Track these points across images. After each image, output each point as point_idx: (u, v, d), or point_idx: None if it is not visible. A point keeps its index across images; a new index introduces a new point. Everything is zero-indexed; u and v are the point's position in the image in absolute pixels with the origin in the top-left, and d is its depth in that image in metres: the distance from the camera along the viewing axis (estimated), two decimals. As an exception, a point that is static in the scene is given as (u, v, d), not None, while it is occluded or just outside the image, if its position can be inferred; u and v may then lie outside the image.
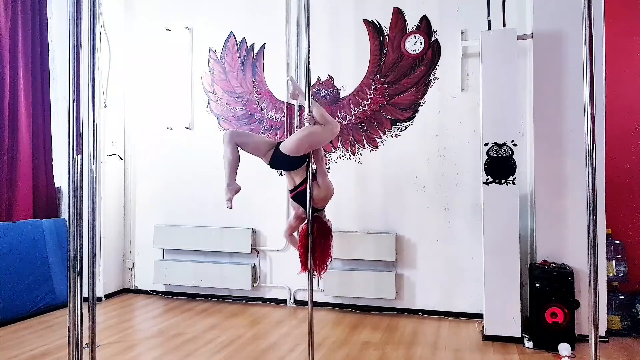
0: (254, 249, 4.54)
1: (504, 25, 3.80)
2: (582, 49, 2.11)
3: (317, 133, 3.03)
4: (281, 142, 3.12)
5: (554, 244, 3.53)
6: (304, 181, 3.08)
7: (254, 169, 4.56)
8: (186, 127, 4.79)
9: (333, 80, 4.39)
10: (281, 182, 4.46)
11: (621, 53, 3.76)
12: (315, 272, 3.05)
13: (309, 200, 2.97)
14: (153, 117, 4.90)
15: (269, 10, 4.56)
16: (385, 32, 4.26)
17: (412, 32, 4.20)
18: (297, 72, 4.48)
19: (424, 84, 4.17)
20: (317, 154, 3.15)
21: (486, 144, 3.55)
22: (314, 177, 3.08)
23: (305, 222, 3.06)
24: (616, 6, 3.71)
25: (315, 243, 3.01)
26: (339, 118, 4.36)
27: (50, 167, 4.70)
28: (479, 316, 3.74)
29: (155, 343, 3.51)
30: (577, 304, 3.31)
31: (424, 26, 4.17)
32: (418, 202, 4.17)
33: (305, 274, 3.10)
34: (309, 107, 3.08)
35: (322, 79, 4.41)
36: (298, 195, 3.15)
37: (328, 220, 3.26)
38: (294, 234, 3.44)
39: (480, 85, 3.61)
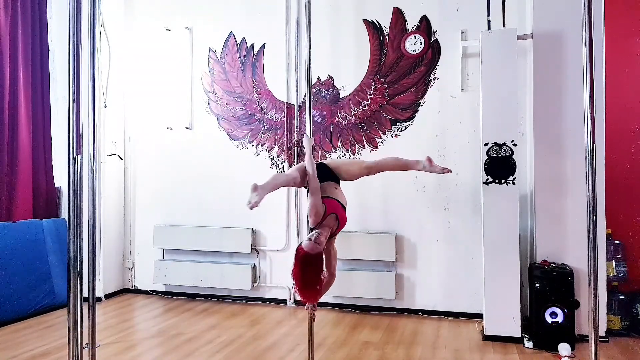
0: (254, 249, 4.54)
1: (504, 25, 3.80)
2: (582, 49, 2.11)
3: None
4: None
5: (554, 244, 3.52)
6: None
7: (254, 169, 4.57)
8: (186, 127, 4.79)
9: (333, 80, 4.39)
10: (281, 182, 4.46)
11: (621, 53, 3.76)
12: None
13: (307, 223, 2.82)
14: (153, 117, 4.90)
15: (269, 10, 4.55)
16: (385, 32, 4.26)
17: (412, 32, 4.20)
18: (297, 72, 4.48)
19: (424, 84, 4.17)
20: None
21: (486, 144, 3.55)
22: None
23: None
24: (616, 6, 3.71)
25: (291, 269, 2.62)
26: (339, 118, 4.37)
27: (50, 167, 4.70)
28: (479, 316, 3.74)
29: (155, 343, 3.51)
30: (577, 304, 3.31)
31: (424, 26, 4.17)
32: (418, 202, 4.17)
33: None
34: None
35: (322, 79, 4.41)
36: None
37: (313, 240, 2.55)
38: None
39: (480, 85, 3.61)
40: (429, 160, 2.68)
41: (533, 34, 3.63)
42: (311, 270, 2.52)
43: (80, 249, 1.98)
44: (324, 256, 2.67)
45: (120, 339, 3.57)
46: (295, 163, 4.38)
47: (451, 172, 2.72)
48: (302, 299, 2.70)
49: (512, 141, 3.50)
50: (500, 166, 3.51)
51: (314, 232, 2.62)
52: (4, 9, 4.27)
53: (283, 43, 4.51)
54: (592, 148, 2.09)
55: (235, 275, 4.50)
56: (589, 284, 2.08)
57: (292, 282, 2.64)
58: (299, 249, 2.55)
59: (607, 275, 3.50)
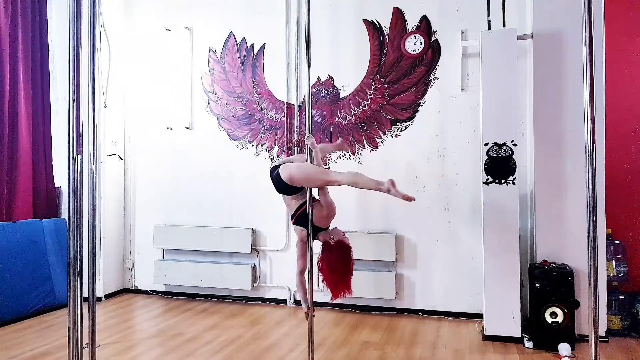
0: (254, 249, 4.54)
1: (504, 25, 3.80)
2: (582, 49, 2.11)
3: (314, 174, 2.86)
4: (280, 164, 2.94)
5: (554, 244, 3.52)
6: (302, 205, 2.94)
7: (254, 169, 4.57)
8: (186, 127, 4.79)
9: (333, 80, 4.39)
10: (281, 182, 4.46)
11: (621, 53, 3.76)
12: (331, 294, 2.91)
13: (309, 223, 2.90)
14: (153, 117, 4.90)
15: (269, 10, 4.56)
16: (385, 32, 4.26)
17: (412, 32, 4.20)
18: (297, 72, 4.48)
19: (424, 84, 4.17)
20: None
21: (486, 144, 3.55)
22: (314, 198, 2.95)
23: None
24: (616, 6, 3.70)
25: (336, 265, 2.86)
26: (339, 118, 4.37)
27: (50, 167, 4.70)
28: (479, 316, 3.74)
29: (155, 343, 3.51)
30: (577, 304, 3.31)
31: (424, 26, 4.17)
32: (418, 202, 4.16)
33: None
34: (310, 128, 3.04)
35: (322, 79, 4.41)
36: (299, 218, 2.96)
37: (344, 234, 2.98)
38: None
39: (480, 85, 3.61)
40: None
41: (533, 34, 3.63)
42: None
43: (80, 249, 1.98)
44: None
45: (120, 339, 3.57)
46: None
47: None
48: (344, 293, 2.88)
49: (512, 141, 3.50)
50: (500, 166, 3.51)
51: (337, 228, 2.98)
52: (4, 9, 4.27)
53: (283, 43, 4.51)
54: (592, 148, 2.09)
55: (235, 275, 4.50)
56: (589, 284, 2.08)
57: (335, 278, 2.86)
58: (346, 245, 2.89)
59: (607, 275, 3.50)
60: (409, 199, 2.59)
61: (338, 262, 2.86)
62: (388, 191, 2.60)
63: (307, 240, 2.95)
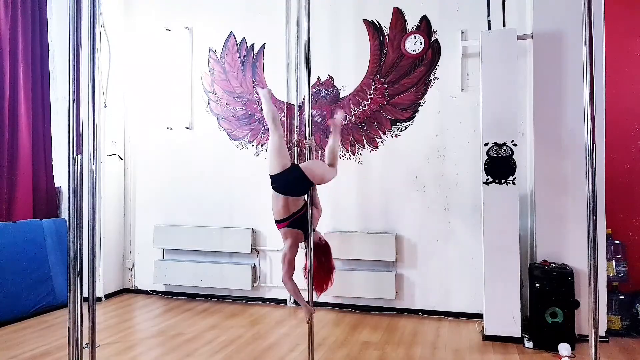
0: (254, 249, 4.54)
1: (504, 25, 3.80)
2: (582, 49, 2.11)
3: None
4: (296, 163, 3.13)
5: (554, 244, 3.52)
6: (301, 209, 3.05)
7: (254, 169, 4.57)
8: (186, 127, 4.79)
9: (333, 80, 4.39)
10: (281, 182, 4.46)
11: (621, 53, 3.76)
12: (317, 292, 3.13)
13: (310, 224, 3.03)
14: (153, 117, 4.90)
15: (269, 10, 4.56)
16: (385, 32, 4.26)
17: (412, 32, 4.19)
18: (297, 72, 4.48)
19: (424, 84, 4.17)
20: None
21: (486, 144, 3.55)
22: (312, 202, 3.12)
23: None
24: (616, 6, 3.70)
25: (328, 264, 3.13)
26: (339, 118, 4.37)
27: (50, 167, 4.70)
28: (479, 316, 3.74)
29: (155, 343, 3.51)
30: (577, 304, 3.31)
31: (424, 26, 4.17)
32: (418, 202, 4.17)
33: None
34: (311, 131, 3.15)
35: (322, 79, 4.41)
36: (297, 221, 3.05)
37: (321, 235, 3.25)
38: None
39: (480, 85, 3.61)
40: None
41: (533, 34, 3.63)
42: None
43: (80, 249, 1.98)
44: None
45: (120, 339, 3.57)
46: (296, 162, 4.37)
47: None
48: (327, 288, 3.14)
49: (512, 141, 3.50)
50: (500, 166, 3.51)
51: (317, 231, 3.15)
52: (4, 9, 4.27)
53: (283, 43, 4.51)
54: (592, 148, 2.09)
55: (235, 275, 4.50)
56: (589, 284, 2.08)
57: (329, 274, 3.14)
58: (328, 244, 3.14)
59: (607, 275, 3.50)
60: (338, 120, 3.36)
61: (327, 261, 3.10)
62: (338, 125, 3.38)
63: (309, 241, 2.99)
